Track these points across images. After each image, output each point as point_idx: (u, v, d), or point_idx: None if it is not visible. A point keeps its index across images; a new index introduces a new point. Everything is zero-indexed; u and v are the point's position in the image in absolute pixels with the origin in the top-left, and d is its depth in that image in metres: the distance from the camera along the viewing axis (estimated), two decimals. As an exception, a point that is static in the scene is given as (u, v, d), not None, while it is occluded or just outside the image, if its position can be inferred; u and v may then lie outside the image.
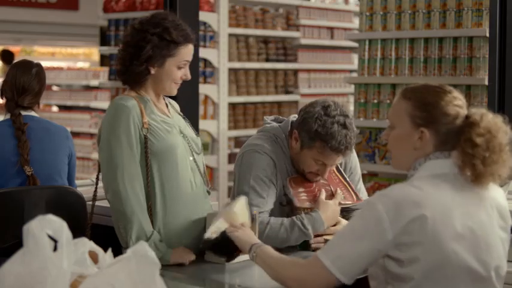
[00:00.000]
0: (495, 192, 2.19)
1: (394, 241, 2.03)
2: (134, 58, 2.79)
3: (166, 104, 2.97)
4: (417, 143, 2.17)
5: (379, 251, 2.05)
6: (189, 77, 2.88)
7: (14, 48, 10.69)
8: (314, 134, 2.89)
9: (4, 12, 10.24)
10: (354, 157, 3.21)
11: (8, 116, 3.53)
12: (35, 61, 3.69)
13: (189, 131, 2.96)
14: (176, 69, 2.84)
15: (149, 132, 2.77)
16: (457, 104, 2.16)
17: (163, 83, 2.85)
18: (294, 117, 3.09)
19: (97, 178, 3.01)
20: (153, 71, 2.81)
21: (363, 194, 3.21)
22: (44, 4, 10.69)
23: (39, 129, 3.51)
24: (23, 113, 3.50)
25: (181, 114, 3.04)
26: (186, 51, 2.84)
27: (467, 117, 2.14)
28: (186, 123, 2.99)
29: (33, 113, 3.55)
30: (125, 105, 2.77)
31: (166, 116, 2.89)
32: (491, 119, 2.12)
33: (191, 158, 2.88)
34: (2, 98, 3.60)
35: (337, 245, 2.09)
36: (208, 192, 2.97)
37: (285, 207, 3.02)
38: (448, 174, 2.12)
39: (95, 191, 3.04)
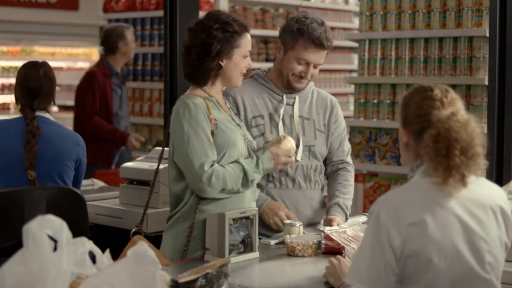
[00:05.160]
0: (487, 190, 2.17)
1: (403, 245, 2.02)
2: (204, 56, 2.89)
3: (228, 108, 3.08)
4: (403, 144, 2.19)
5: (393, 256, 2.03)
6: (252, 65, 3.01)
7: (14, 48, 10.67)
8: (296, 32, 3.15)
9: (4, 12, 10.22)
10: (339, 109, 3.39)
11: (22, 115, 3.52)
12: (40, 60, 3.67)
13: (248, 134, 3.06)
14: (242, 60, 2.95)
15: (216, 127, 2.87)
16: (432, 104, 2.11)
17: (232, 74, 2.95)
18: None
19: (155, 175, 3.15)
20: (223, 64, 2.91)
21: (346, 147, 3.39)
22: (44, 4, 10.68)
23: (50, 130, 3.50)
24: (37, 113, 3.49)
25: (240, 118, 3.15)
26: (247, 41, 2.96)
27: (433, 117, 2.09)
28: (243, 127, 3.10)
29: (47, 115, 3.54)
30: (195, 103, 2.86)
31: (229, 116, 3.00)
32: (452, 121, 2.05)
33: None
34: (16, 104, 3.59)
35: (358, 264, 2.08)
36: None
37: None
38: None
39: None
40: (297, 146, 3.19)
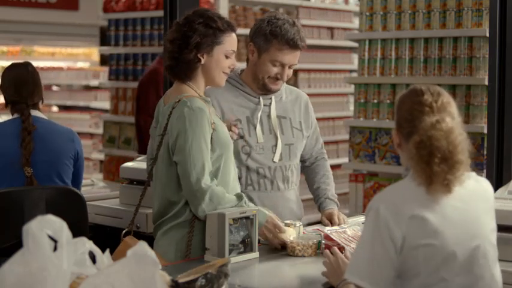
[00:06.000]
0: (480, 185, 2.20)
1: (403, 239, 2.04)
2: (183, 47, 2.87)
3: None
4: (396, 145, 2.21)
5: (393, 250, 2.05)
6: (236, 65, 3.01)
7: (14, 48, 10.69)
8: (269, 34, 3.14)
9: (4, 12, 10.24)
10: (311, 105, 3.42)
11: (16, 115, 3.53)
12: (25, 61, 3.70)
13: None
14: (224, 58, 2.92)
15: (214, 131, 2.85)
16: (422, 109, 2.11)
17: (213, 72, 2.92)
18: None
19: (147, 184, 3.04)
20: (203, 60, 2.89)
21: (321, 140, 3.49)
22: (44, 4, 10.70)
23: (44, 129, 3.51)
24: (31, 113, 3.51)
25: None
26: (231, 40, 2.94)
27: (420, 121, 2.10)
28: None
29: (39, 114, 3.56)
30: (201, 109, 2.82)
31: (218, 116, 3.00)
32: (435, 130, 2.05)
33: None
34: (7, 105, 3.59)
35: (358, 260, 2.09)
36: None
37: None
38: None
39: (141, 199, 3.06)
40: (276, 145, 3.22)
